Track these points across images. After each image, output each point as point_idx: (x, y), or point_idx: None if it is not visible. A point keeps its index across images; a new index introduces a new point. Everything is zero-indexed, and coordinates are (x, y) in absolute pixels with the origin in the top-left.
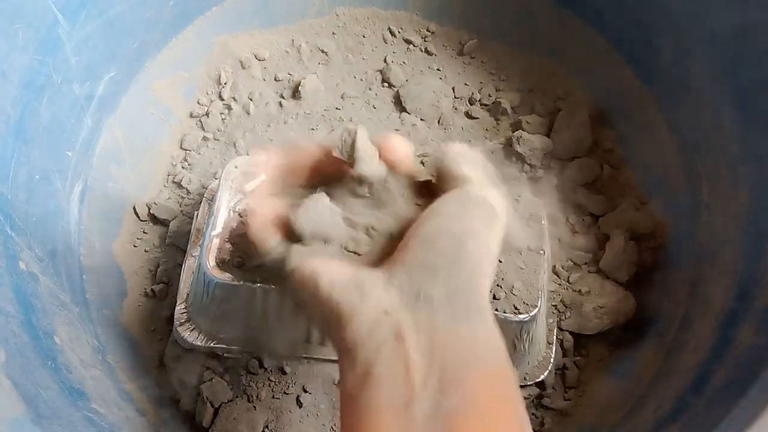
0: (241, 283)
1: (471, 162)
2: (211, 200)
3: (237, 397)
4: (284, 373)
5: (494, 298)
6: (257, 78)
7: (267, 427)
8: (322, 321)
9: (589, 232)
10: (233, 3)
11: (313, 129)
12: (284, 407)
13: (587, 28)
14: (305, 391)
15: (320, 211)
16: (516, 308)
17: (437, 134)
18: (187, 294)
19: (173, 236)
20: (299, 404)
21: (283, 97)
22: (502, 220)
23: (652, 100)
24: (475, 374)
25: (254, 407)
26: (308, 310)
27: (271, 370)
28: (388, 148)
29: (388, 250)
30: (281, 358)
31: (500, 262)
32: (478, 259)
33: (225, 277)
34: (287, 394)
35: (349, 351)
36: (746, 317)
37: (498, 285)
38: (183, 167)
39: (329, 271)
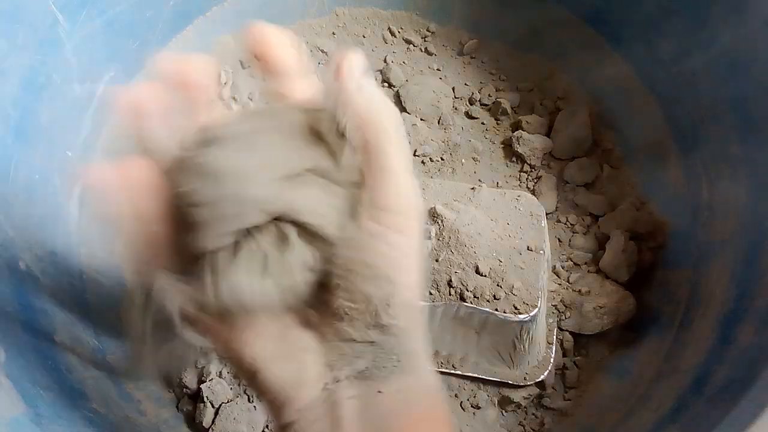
0: None
1: (393, 133)
2: None
3: (237, 396)
4: None
5: (494, 297)
6: (257, 78)
7: (267, 427)
8: (252, 388)
9: (589, 232)
10: (233, 3)
11: None
12: None
13: (587, 28)
14: None
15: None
16: (516, 308)
17: (437, 134)
18: None
19: None
20: None
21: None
22: (415, 234)
23: (652, 100)
24: (403, 422)
25: (254, 407)
26: (233, 370)
27: None
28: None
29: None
30: None
31: (500, 262)
32: (413, 310)
33: None
34: None
35: (285, 428)
36: (746, 317)
37: (498, 285)
38: None
39: (252, 337)
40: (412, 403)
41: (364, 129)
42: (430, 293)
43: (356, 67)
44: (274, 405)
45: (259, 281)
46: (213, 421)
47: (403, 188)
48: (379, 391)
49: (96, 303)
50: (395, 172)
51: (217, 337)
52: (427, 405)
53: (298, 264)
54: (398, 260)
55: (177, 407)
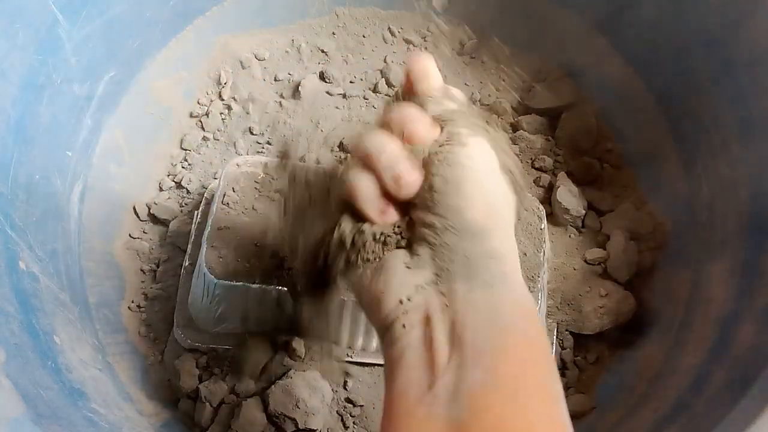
0: (241, 283)
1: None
2: (211, 200)
3: (237, 395)
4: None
5: None
6: (257, 78)
7: (267, 425)
8: (366, 307)
9: (589, 232)
10: (233, 3)
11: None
12: None
13: (587, 28)
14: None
15: None
16: None
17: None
18: (187, 294)
19: (173, 236)
20: (297, 407)
21: (283, 97)
22: (491, 153)
23: (653, 100)
24: (497, 345)
25: (254, 405)
26: (357, 297)
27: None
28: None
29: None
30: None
31: None
32: (489, 225)
33: (223, 277)
34: None
35: (383, 334)
36: (746, 317)
37: None
38: (183, 167)
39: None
40: (503, 326)
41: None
42: None
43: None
44: (373, 309)
45: None
46: (212, 421)
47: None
48: (468, 307)
49: (96, 303)
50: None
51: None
52: (520, 332)
53: None
54: (468, 167)
55: (176, 407)
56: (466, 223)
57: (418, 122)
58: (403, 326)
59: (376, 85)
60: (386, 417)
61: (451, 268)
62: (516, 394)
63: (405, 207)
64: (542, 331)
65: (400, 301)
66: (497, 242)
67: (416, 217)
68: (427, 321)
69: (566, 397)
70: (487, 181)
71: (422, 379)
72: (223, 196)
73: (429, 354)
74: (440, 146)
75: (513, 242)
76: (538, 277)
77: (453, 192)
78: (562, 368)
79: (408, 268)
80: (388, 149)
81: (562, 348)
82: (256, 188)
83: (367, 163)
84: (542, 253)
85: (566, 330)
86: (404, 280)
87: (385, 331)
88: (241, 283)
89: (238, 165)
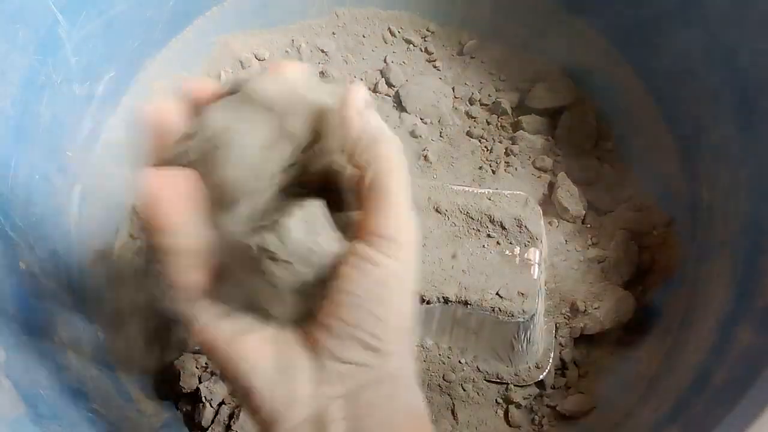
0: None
1: (397, 164)
2: None
3: (236, 396)
4: None
5: (492, 298)
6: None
7: None
8: (245, 408)
9: (589, 232)
10: (233, 3)
11: None
12: None
13: (587, 28)
14: None
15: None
16: (514, 309)
17: (437, 134)
18: None
19: None
20: None
21: None
22: (411, 263)
23: (652, 100)
24: None
25: None
26: (227, 385)
27: None
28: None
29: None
30: None
31: (499, 262)
32: (405, 334)
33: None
34: None
35: None
36: (746, 317)
37: (496, 285)
38: None
39: (247, 350)
40: (399, 428)
41: (367, 158)
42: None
43: (361, 99)
44: (265, 424)
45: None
46: (212, 421)
47: (402, 218)
48: (368, 414)
49: (96, 303)
50: (396, 202)
51: (215, 348)
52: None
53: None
54: (391, 286)
55: (176, 407)
56: (385, 345)
57: None
58: None
59: (376, 85)
60: None
61: (359, 385)
62: None
63: None
64: None
65: (304, 418)
66: (404, 349)
67: (322, 321)
68: (321, 426)
69: (566, 397)
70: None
71: None
72: None
73: None
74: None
75: (413, 351)
76: (537, 277)
77: (373, 311)
78: (562, 368)
79: (312, 384)
80: None
81: (562, 348)
82: None
83: None
84: (540, 253)
85: (566, 330)
86: (311, 399)
87: None
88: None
89: None
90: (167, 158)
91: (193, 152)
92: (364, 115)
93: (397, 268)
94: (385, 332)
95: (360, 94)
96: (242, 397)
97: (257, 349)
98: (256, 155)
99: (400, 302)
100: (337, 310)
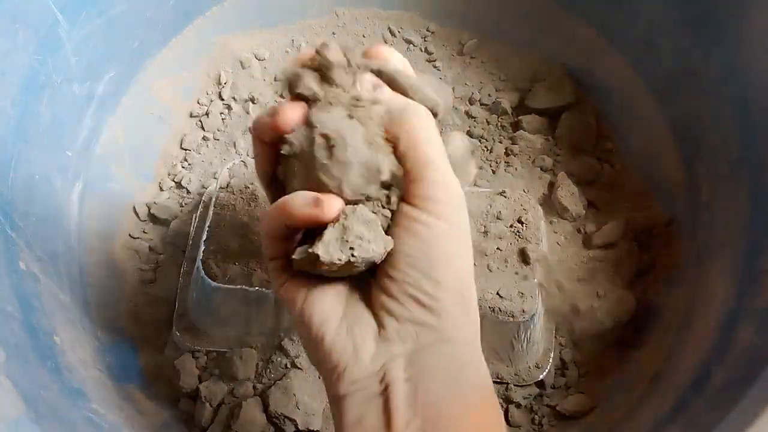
0: (239, 286)
1: (431, 127)
2: (209, 203)
3: (236, 396)
4: (284, 374)
5: (492, 298)
6: (257, 78)
7: (267, 425)
8: (314, 360)
9: (589, 232)
10: (233, 3)
11: None
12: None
13: (587, 28)
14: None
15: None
16: (514, 309)
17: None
18: (187, 295)
19: (173, 236)
20: (297, 408)
21: (283, 97)
22: (461, 221)
23: (653, 100)
24: (455, 412)
25: (254, 406)
26: (301, 340)
27: (270, 370)
28: (376, 53)
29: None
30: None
31: (498, 262)
32: (458, 311)
33: (221, 280)
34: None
35: (339, 400)
36: (746, 317)
37: (496, 285)
38: (183, 167)
39: (321, 305)
40: (464, 399)
41: (398, 131)
42: None
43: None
44: (331, 375)
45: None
46: (212, 421)
47: (445, 181)
48: (431, 377)
49: (96, 303)
50: (435, 168)
51: (294, 300)
52: (479, 405)
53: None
54: (442, 246)
55: (176, 407)
56: (440, 304)
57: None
58: (366, 395)
59: None
60: None
61: (423, 340)
62: None
63: None
64: (499, 413)
65: (368, 374)
66: (463, 325)
67: (384, 288)
68: (386, 388)
69: (566, 397)
70: (459, 256)
71: None
72: (219, 199)
73: (388, 418)
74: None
75: (477, 321)
76: (537, 277)
77: (425, 271)
78: (562, 368)
79: (376, 341)
80: None
81: (562, 348)
82: (252, 190)
83: None
84: (540, 253)
85: (566, 330)
86: (374, 354)
87: (344, 398)
88: (239, 286)
89: (234, 167)
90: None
91: (300, 146)
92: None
93: (446, 229)
94: (439, 292)
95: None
96: (314, 348)
97: (329, 304)
98: (366, 153)
99: (454, 263)
100: (392, 270)
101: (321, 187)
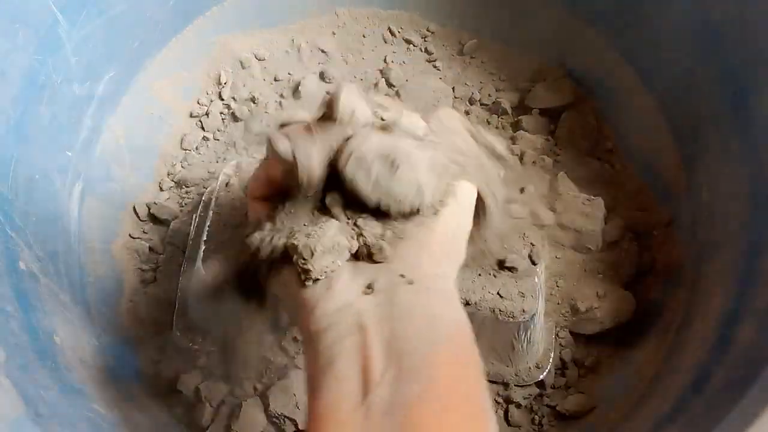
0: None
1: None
2: (209, 203)
3: (236, 396)
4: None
5: (492, 298)
6: (257, 78)
7: (267, 425)
8: (292, 310)
9: (589, 232)
10: (233, 3)
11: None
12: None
13: (587, 28)
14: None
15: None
16: (514, 309)
17: None
18: (186, 295)
19: (173, 236)
20: (297, 408)
21: (283, 97)
22: (462, 200)
23: (653, 100)
24: (433, 360)
25: (254, 406)
26: (281, 300)
27: (269, 369)
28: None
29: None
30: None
31: (498, 262)
32: (448, 242)
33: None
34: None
35: (311, 340)
36: (746, 317)
37: (497, 284)
38: (183, 167)
39: None
40: (440, 342)
41: None
42: None
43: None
44: (305, 312)
45: None
46: (212, 421)
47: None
48: (406, 318)
49: (96, 303)
50: None
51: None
52: (455, 349)
53: None
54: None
55: (176, 407)
56: (432, 241)
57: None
58: (337, 332)
59: (376, 85)
60: (314, 429)
61: (400, 280)
62: (451, 411)
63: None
64: (474, 350)
65: (339, 308)
66: (449, 267)
67: (364, 224)
68: (362, 329)
69: (566, 397)
70: (463, 213)
71: (354, 390)
72: (219, 199)
73: (363, 364)
74: None
75: (456, 272)
76: (537, 277)
77: (429, 214)
78: (562, 368)
79: (352, 274)
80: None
81: (562, 348)
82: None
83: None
84: (540, 253)
85: (566, 330)
86: (346, 287)
87: (315, 336)
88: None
89: (235, 167)
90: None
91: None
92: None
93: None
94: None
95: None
96: (288, 299)
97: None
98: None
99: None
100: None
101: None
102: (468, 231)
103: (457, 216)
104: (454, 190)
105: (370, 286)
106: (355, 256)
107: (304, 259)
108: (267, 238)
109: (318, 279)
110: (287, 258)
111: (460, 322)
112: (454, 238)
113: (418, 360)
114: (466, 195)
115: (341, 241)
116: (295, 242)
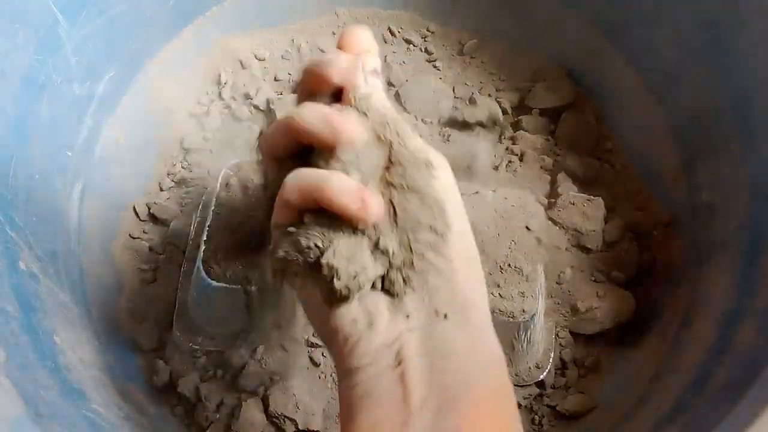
0: (238, 286)
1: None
2: (209, 202)
3: (236, 396)
4: (282, 374)
5: (492, 298)
6: (257, 78)
7: (267, 425)
8: (325, 336)
9: (589, 232)
10: (233, 3)
11: None
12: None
13: (588, 28)
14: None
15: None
16: (514, 309)
17: (437, 134)
18: (187, 295)
19: (173, 236)
20: (297, 408)
21: (282, 95)
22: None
23: (653, 101)
24: (472, 394)
25: (254, 406)
26: (310, 320)
27: (269, 369)
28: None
29: None
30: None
31: (498, 262)
32: (470, 272)
33: (222, 280)
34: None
35: (350, 374)
36: (746, 317)
37: (497, 285)
38: (183, 167)
39: None
40: (478, 375)
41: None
42: None
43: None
44: (343, 348)
45: None
46: (212, 421)
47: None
48: (445, 353)
49: (96, 303)
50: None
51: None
52: (493, 383)
53: None
54: (445, 202)
55: (176, 407)
56: (454, 269)
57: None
58: (378, 367)
59: None
60: None
61: (436, 315)
62: None
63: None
64: (509, 385)
65: (382, 345)
66: (479, 289)
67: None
68: (403, 362)
69: (566, 397)
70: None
71: (395, 415)
72: (219, 199)
73: (403, 393)
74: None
75: (485, 291)
76: (537, 277)
77: (437, 241)
78: (562, 368)
79: (391, 310)
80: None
81: (562, 348)
82: (252, 190)
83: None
84: (540, 254)
85: (566, 330)
86: (388, 325)
87: (356, 371)
88: (239, 286)
89: (235, 167)
90: None
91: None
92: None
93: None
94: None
95: (370, 62)
96: (322, 322)
97: None
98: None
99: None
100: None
101: None
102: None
103: (463, 237)
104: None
105: (408, 322)
106: (385, 290)
107: (338, 278)
108: (303, 240)
109: (345, 299)
110: (316, 268)
111: (496, 355)
112: (469, 259)
113: (456, 394)
114: (458, 215)
115: (371, 266)
116: (332, 262)
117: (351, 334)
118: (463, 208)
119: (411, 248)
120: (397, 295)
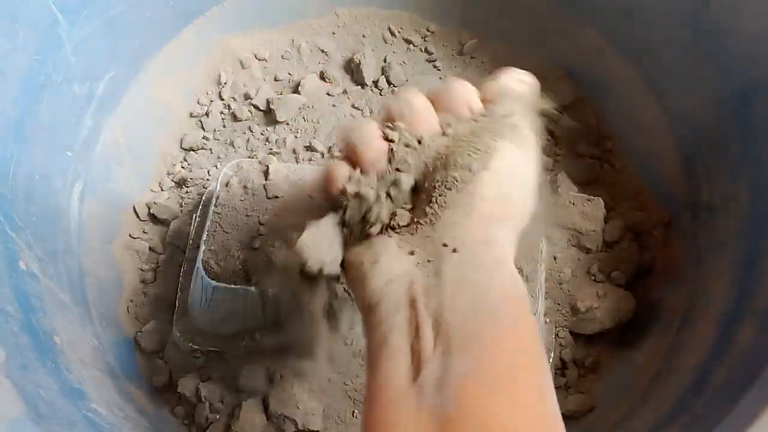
0: (239, 286)
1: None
2: (209, 202)
3: (236, 396)
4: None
5: None
6: (257, 78)
7: (267, 425)
8: (349, 282)
9: (589, 232)
10: (233, 3)
11: (315, 128)
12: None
13: (587, 28)
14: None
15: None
16: None
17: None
18: (187, 295)
19: (173, 236)
20: (297, 408)
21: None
22: (530, 153)
23: (653, 100)
24: (485, 334)
25: (254, 406)
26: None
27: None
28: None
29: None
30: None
31: None
32: (494, 206)
33: (222, 280)
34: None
35: (366, 313)
36: (746, 317)
37: None
38: (183, 167)
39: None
40: (493, 315)
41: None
42: None
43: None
44: (357, 287)
45: None
46: (212, 421)
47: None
48: (457, 292)
49: (96, 303)
50: None
51: None
52: (511, 322)
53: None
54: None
55: (176, 407)
56: (475, 206)
57: (421, 112)
58: (391, 304)
59: (376, 84)
60: (369, 408)
61: (444, 249)
62: (505, 387)
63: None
64: (533, 323)
65: (388, 281)
66: (500, 232)
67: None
68: (413, 304)
69: (566, 397)
70: (510, 174)
71: (407, 368)
72: (219, 199)
73: (414, 340)
74: (469, 133)
75: (514, 236)
76: (537, 277)
77: (468, 178)
78: (562, 368)
79: (399, 247)
80: (375, 145)
81: (562, 348)
82: (252, 190)
83: (352, 159)
84: (540, 254)
85: (566, 330)
86: (394, 259)
87: (369, 311)
88: (239, 286)
89: (235, 167)
90: None
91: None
92: None
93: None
94: (479, 197)
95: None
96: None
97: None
98: None
99: (504, 172)
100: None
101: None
102: (526, 192)
103: (503, 177)
104: (494, 151)
105: (416, 257)
106: (399, 227)
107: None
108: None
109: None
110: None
111: (509, 292)
112: (501, 200)
113: (465, 335)
114: (509, 156)
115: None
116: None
117: (362, 271)
118: (532, 165)
119: (436, 184)
120: (398, 226)
